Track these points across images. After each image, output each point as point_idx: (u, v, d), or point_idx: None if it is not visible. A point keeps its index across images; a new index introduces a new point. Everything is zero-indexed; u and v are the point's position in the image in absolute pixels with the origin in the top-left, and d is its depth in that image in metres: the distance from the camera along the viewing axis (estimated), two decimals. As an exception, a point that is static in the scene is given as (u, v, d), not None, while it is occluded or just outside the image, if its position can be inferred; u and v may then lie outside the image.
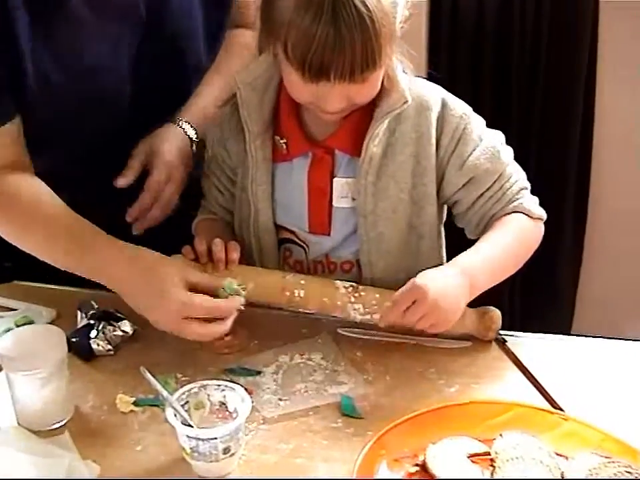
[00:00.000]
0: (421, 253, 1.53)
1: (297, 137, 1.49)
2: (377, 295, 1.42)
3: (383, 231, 1.49)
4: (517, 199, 1.49)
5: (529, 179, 1.53)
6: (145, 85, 1.61)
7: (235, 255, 1.44)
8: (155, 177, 1.56)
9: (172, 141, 1.60)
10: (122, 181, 1.55)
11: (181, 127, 1.63)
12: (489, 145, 1.49)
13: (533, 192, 1.52)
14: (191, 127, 1.63)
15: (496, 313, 1.45)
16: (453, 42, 2.51)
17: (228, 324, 1.37)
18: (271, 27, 1.34)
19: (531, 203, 1.51)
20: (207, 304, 1.36)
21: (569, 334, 1.51)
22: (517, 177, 1.51)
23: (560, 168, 2.65)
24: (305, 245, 1.57)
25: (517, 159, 1.53)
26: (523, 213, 1.49)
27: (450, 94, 1.51)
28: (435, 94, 1.49)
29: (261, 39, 1.41)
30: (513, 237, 1.47)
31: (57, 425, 1.29)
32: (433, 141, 1.46)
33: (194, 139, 1.63)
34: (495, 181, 1.49)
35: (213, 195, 1.64)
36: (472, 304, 1.42)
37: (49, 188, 1.50)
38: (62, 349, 1.29)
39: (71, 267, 1.45)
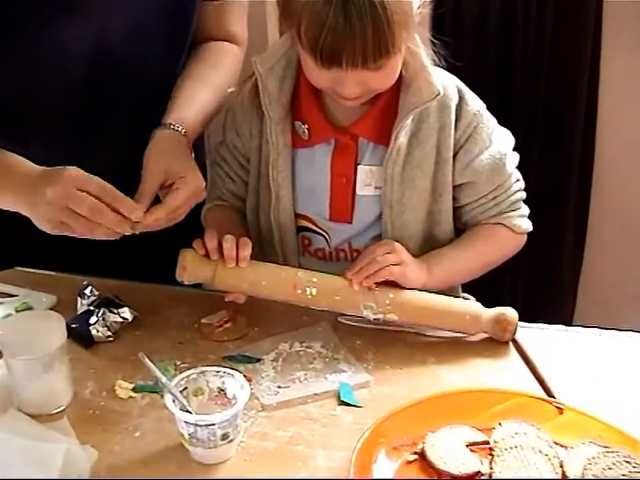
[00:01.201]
0: (437, 240, 1.55)
1: (320, 123, 1.49)
2: (391, 295, 1.42)
3: (408, 219, 1.51)
4: (506, 213, 1.54)
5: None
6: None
7: (246, 252, 1.40)
8: (178, 200, 1.39)
9: (191, 160, 1.47)
10: (139, 213, 1.33)
11: (180, 132, 1.49)
12: (496, 150, 1.51)
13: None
14: (185, 133, 1.50)
15: (512, 315, 1.43)
16: (456, 34, 2.50)
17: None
18: (287, 11, 1.34)
19: (518, 217, 1.55)
20: (103, 185, 1.29)
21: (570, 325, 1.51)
22: (514, 189, 1.55)
23: (563, 163, 2.64)
24: (325, 233, 1.57)
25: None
26: (508, 227, 1.54)
27: (465, 86, 1.52)
28: (453, 85, 1.50)
29: (280, 22, 1.41)
30: (489, 248, 1.55)
31: (56, 411, 1.28)
32: (452, 132, 1.48)
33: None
34: (490, 192, 1.52)
35: (223, 182, 1.63)
36: (481, 297, 1.41)
37: None
38: (62, 334, 1.28)
39: None
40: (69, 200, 1.28)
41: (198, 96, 1.57)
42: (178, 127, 1.48)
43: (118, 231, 1.32)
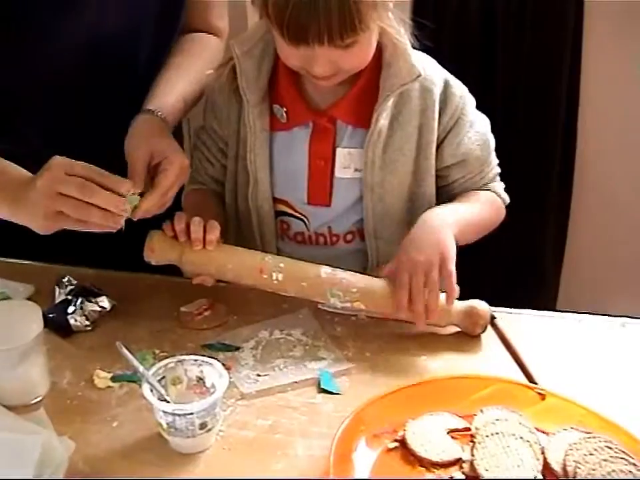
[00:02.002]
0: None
1: (298, 106, 1.49)
2: (358, 283, 1.40)
3: (389, 202, 1.51)
4: (491, 183, 1.58)
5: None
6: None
7: (213, 235, 1.39)
8: (169, 179, 1.39)
9: (173, 141, 1.47)
10: (128, 186, 1.33)
11: (161, 117, 1.49)
12: (481, 130, 1.54)
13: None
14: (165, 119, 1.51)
15: (484, 308, 1.41)
16: (437, 19, 2.49)
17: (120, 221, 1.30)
18: None
19: (501, 188, 1.59)
20: (88, 166, 1.29)
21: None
22: (494, 162, 1.59)
23: (545, 146, 2.64)
24: (304, 217, 1.56)
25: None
26: (497, 194, 1.58)
27: (446, 71, 1.53)
28: (438, 70, 1.51)
29: (252, 1, 1.39)
30: (488, 212, 1.56)
31: (33, 402, 1.27)
32: (436, 115, 1.48)
33: None
34: (478, 166, 1.55)
35: (202, 166, 1.63)
36: (460, 283, 1.40)
37: None
38: (38, 324, 1.27)
39: None
40: (57, 184, 1.27)
41: (178, 84, 1.57)
42: (158, 113, 1.48)
43: (113, 209, 1.29)
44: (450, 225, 1.41)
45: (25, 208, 1.32)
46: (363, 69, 1.42)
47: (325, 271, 1.40)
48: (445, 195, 1.56)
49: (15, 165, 1.39)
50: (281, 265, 1.40)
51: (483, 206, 1.54)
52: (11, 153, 1.42)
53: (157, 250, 1.40)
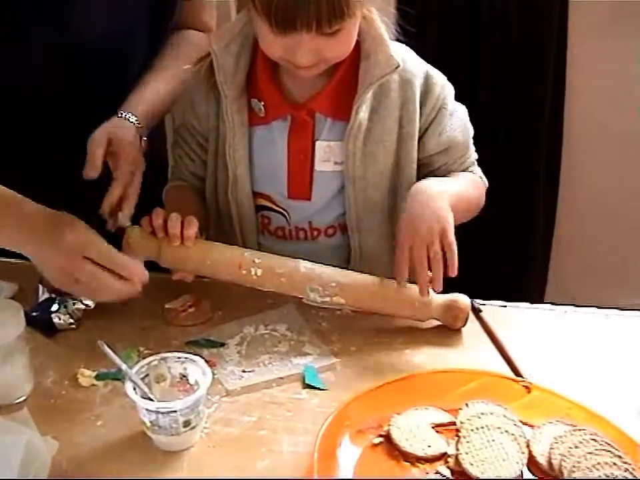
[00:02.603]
0: (400, 215, 1.51)
1: (276, 100, 1.48)
2: (338, 278, 1.40)
3: (370, 194, 1.50)
4: (472, 166, 1.59)
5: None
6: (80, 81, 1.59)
7: (191, 231, 1.39)
8: (124, 167, 1.48)
9: (129, 130, 1.52)
10: (92, 172, 1.45)
11: (128, 119, 1.53)
12: (461, 117, 1.55)
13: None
14: (137, 122, 1.55)
15: (464, 302, 1.41)
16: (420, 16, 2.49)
17: (137, 287, 1.34)
18: None
19: (480, 172, 1.60)
20: (109, 249, 1.32)
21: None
22: (473, 149, 1.60)
23: (530, 145, 2.64)
24: (284, 212, 1.56)
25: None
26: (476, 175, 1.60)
27: (427, 64, 1.53)
28: (417, 62, 1.51)
29: None
30: (473, 192, 1.56)
31: (17, 401, 1.26)
32: (417, 107, 1.48)
33: (142, 136, 1.56)
34: (462, 152, 1.56)
35: (183, 162, 1.63)
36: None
37: None
38: (20, 323, 1.26)
39: None
40: (72, 270, 1.31)
41: (156, 87, 1.60)
42: (128, 116, 1.52)
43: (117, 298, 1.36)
44: (445, 193, 1.41)
45: (44, 263, 1.34)
46: (341, 62, 1.42)
47: (305, 265, 1.40)
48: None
49: (29, 201, 1.38)
50: (260, 260, 1.40)
51: (468, 184, 1.54)
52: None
53: (134, 245, 1.40)
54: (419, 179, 1.51)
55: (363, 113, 1.45)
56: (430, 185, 1.43)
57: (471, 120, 1.57)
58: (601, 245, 2.76)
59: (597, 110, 2.62)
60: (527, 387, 1.24)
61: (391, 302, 1.40)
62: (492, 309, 1.45)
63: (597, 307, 1.47)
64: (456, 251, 1.34)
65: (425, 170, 1.54)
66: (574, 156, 2.66)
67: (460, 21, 2.53)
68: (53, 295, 1.44)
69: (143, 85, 1.60)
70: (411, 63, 1.49)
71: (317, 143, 1.49)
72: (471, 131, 1.58)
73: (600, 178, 2.69)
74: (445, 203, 1.38)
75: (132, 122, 1.52)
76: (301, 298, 1.43)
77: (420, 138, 1.51)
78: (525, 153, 2.60)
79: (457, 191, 1.46)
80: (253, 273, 1.39)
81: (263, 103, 1.48)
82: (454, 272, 1.34)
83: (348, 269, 1.43)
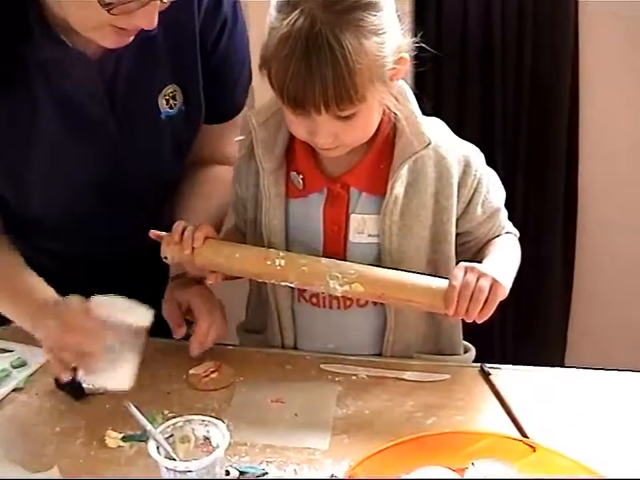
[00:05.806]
0: None
1: (313, 173, 1.52)
2: (356, 266, 1.45)
3: (407, 266, 1.51)
4: (507, 225, 1.63)
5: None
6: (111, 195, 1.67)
7: (199, 233, 1.48)
8: (202, 328, 1.55)
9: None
10: (180, 332, 1.57)
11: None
12: (494, 181, 1.59)
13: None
14: None
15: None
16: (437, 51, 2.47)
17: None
18: (262, 60, 1.39)
19: (511, 225, 1.65)
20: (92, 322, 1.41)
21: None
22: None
23: (548, 185, 2.66)
24: None
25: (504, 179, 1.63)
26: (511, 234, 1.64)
27: (463, 140, 1.57)
28: (449, 137, 1.55)
29: (261, 72, 1.44)
30: (516, 255, 1.60)
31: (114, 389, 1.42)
32: (453, 180, 1.51)
33: None
34: (500, 216, 1.61)
35: (240, 230, 1.68)
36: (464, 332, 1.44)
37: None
38: (146, 320, 1.42)
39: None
40: (58, 351, 1.42)
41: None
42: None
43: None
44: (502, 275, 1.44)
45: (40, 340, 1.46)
46: (375, 137, 1.47)
47: (325, 258, 1.47)
48: (469, 250, 1.60)
49: (44, 285, 1.53)
50: (283, 254, 1.48)
51: (514, 253, 1.59)
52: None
53: (172, 245, 1.50)
54: (457, 247, 1.57)
55: (398, 187, 1.48)
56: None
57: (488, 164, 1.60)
58: (621, 306, 2.77)
59: (614, 157, 2.64)
60: (532, 447, 1.28)
61: (407, 286, 1.43)
62: (502, 372, 1.50)
63: (602, 369, 1.51)
64: (495, 305, 1.39)
65: (463, 239, 1.58)
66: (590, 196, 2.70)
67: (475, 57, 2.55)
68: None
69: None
70: (444, 140, 1.52)
71: (352, 215, 1.52)
72: (503, 193, 1.61)
73: (619, 232, 2.70)
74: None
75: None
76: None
77: (460, 215, 1.54)
78: (542, 205, 2.60)
79: (511, 268, 1.52)
80: (277, 263, 1.46)
81: (301, 177, 1.53)
82: (483, 318, 1.40)
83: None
